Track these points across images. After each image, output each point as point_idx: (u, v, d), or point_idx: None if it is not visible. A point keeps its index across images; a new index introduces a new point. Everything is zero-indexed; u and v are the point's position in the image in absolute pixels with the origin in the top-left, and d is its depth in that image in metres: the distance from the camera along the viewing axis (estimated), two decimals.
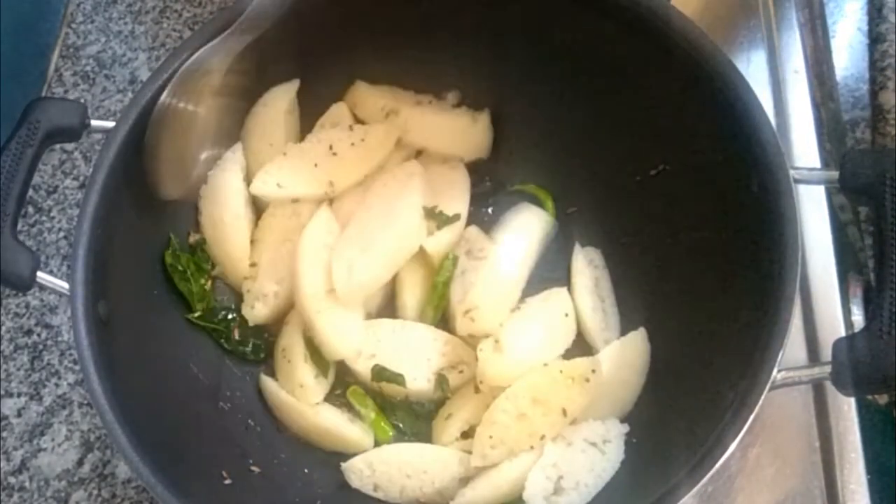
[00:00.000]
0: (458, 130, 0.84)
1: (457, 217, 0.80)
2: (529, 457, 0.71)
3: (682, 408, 0.69)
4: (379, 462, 0.74)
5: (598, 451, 0.70)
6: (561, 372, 0.72)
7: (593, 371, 0.71)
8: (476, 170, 0.84)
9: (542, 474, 0.70)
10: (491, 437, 0.71)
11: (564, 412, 0.71)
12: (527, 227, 0.82)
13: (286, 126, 0.82)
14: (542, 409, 0.71)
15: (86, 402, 0.86)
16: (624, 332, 0.77)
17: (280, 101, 0.81)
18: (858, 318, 0.80)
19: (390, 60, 0.82)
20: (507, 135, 0.85)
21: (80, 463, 0.83)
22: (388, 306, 0.81)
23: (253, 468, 0.75)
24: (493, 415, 0.71)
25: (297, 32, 0.74)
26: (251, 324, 0.80)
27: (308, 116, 0.84)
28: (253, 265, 0.80)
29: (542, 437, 0.71)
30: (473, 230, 0.82)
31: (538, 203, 0.84)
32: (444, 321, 0.80)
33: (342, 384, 0.79)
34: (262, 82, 0.81)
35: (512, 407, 0.71)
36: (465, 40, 0.80)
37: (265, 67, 0.77)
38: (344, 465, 0.75)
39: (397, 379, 0.76)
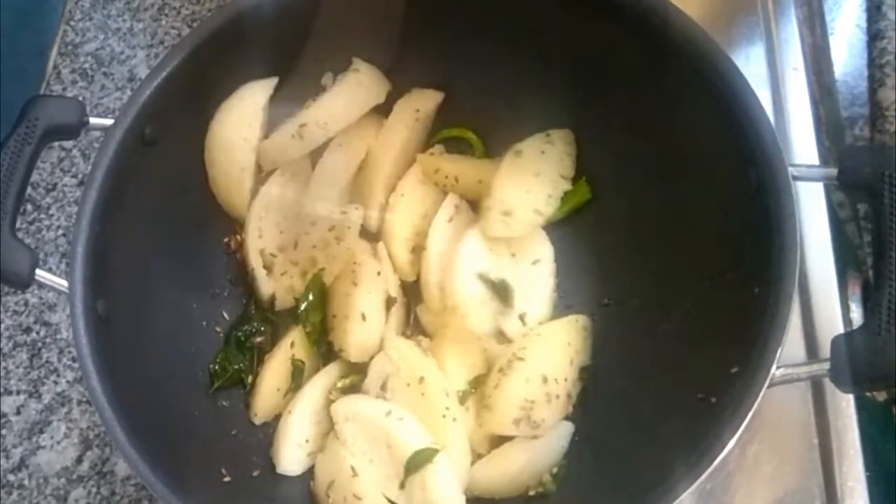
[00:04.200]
0: None
1: None
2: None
3: (681, 404, 0.69)
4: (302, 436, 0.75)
5: None
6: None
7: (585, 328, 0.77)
8: None
9: None
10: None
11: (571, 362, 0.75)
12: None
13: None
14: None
15: (85, 399, 0.86)
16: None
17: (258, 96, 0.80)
18: (857, 314, 0.80)
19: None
20: (498, 140, 0.85)
21: (79, 460, 0.83)
22: None
23: (252, 466, 0.75)
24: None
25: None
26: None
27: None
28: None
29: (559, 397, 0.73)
30: None
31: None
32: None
33: None
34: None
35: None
36: (447, 37, 0.80)
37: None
38: (280, 469, 0.75)
39: None
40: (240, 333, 0.81)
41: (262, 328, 0.81)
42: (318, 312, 0.80)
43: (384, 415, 0.72)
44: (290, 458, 0.75)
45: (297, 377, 0.79)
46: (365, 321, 0.77)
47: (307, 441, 0.76)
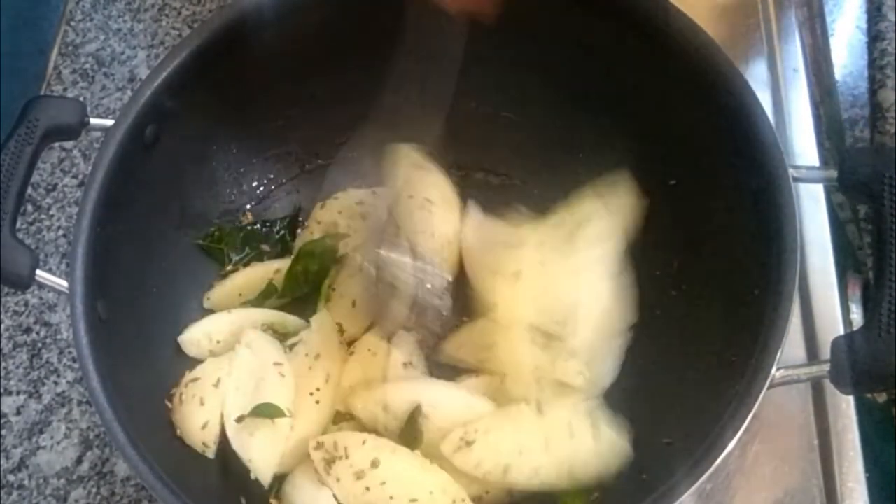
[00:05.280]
0: None
1: None
2: None
3: (681, 405, 0.69)
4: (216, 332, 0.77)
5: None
6: None
7: None
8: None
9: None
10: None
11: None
12: None
13: None
14: None
15: (85, 400, 0.86)
16: None
17: None
18: (857, 316, 0.80)
19: None
20: (499, 140, 0.85)
21: (79, 461, 0.83)
22: None
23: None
24: None
25: None
26: None
27: None
28: None
29: None
30: None
31: None
32: None
33: None
34: None
35: None
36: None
37: None
38: (181, 338, 0.76)
39: None
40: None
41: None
42: (316, 263, 0.80)
43: (272, 363, 0.73)
44: (193, 338, 0.77)
45: (264, 297, 0.80)
46: (354, 308, 0.77)
47: (217, 342, 0.77)
